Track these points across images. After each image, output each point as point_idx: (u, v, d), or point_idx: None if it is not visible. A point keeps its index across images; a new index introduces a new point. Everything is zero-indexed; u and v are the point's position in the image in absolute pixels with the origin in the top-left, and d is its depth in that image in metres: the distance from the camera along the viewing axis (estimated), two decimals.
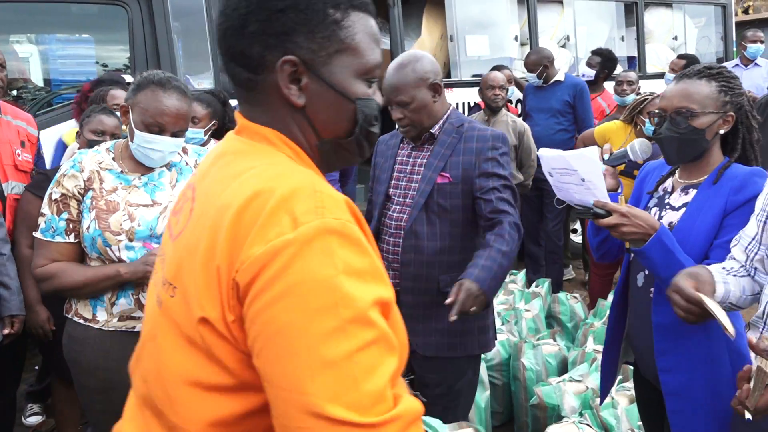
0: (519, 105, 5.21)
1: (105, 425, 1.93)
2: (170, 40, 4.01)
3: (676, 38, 6.71)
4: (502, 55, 5.31)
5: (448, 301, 1.82)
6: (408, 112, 2.09)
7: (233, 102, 3.67)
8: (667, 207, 1.74)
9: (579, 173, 1.59)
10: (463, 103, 5.08)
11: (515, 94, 5.18)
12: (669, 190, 1.77)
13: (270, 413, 0.79)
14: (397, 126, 2.20)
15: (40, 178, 2.62)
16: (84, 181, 1.88)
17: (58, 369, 2.71)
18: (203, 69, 4.24)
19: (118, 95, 2.98)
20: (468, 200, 2.10)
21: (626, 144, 3.83)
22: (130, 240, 1.82)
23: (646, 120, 3.71)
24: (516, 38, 5.60)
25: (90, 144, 2.57)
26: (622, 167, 2.09)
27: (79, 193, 1.87)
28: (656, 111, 1.70)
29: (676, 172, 1.78)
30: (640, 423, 2.46)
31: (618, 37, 6.28)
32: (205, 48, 4.22)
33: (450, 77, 5.20)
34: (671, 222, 1.69)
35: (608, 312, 3.40)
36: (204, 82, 4.24)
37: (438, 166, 2.11)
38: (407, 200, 2.16)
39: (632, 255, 1.78)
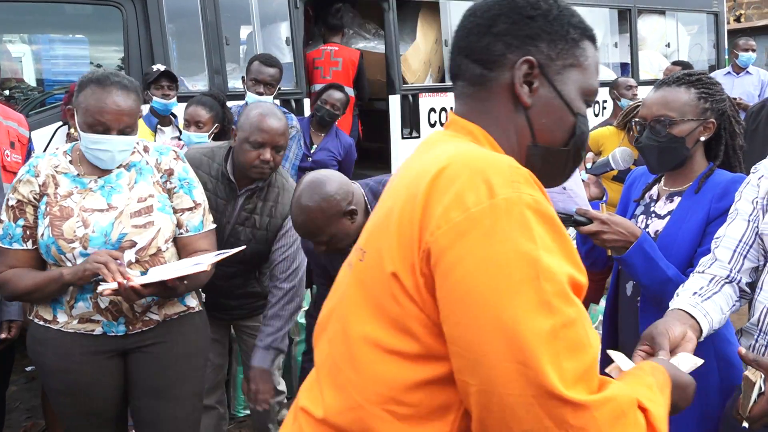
0: None
1: (77, 428, 1.93)
2: (165, 41, 4.00)
3: (668, 45, 6.75)
4: None
5: None
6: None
7: (230, 103, 3.67)
8: (653, 215, 1.74)
9: None
10: (451, 108, 5.08)
11: None
12: (655, 197, 1.77)
13: (448, 388, 0.80)
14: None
15: None
16: (39, 186, 1.81)
17: None
18: (198, 70, 4.23)
19: None
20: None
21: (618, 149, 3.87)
22: (84, 247, 1.75)
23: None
24: None
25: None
26: (614, 173, 2.11)
27: (34, 198, 1.81)
28: (637, 120, 1.70)
29: (662, 179, 1.78)
30: None
31: (611, 44, 6.31)
32: (200, 49, 4.21)
33: (444, 82, 5.21)
34: (657, 230, 1.69)
35: (600, 318, 3.41)
36: (198, 83, 4.23)
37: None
38: None
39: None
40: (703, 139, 1.66)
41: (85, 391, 1.86)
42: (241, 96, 3.81)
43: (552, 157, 0.97)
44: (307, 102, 4.56)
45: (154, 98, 3.53)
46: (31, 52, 4.98)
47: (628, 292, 1.76)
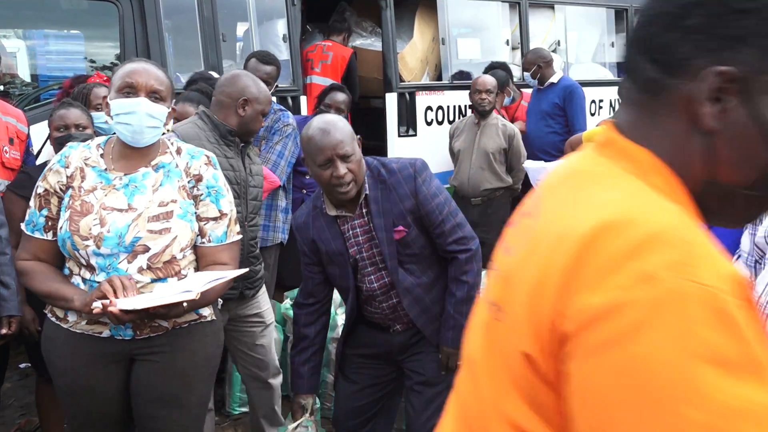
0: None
1: (78, 428, 1.92)
2: (161, 37, 3.98)
3: None
4: (494, 58, 5.33)
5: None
6: (352, 165, 1.97)
7: None
8: None
9: None
10: (454, 106, 5.09)
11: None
12: None
13: None
14: (338, 190, 1.98)
15: (21, 177, 2.58)
16: (66, 177, 1.81)
17: (41, 368, 2.68)
18: (194, 67, 4.21)
19: (102, 93, 2.91)
20: (428, 234, 2.14)
21: None
22: (98, 246, 1.72)
23: None
24: (507, 42, 5.63)
25: (58, 142, 2.52)
26: None
27: (60, 189, 1.81)
28: None
29: None
30: None
31: (608, 43, 6.32)
32: (196, 46, 4.20)
33: (441, 80, 5.21)
34: None
35: None
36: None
37: (387, 223, 2.08)
38: (377, 266, 2.14)
39: None
40: None
41: (88, 393, 1.83)
42: None
43: (733, 200, 0.73)
44: (303, 99, 4.55)
45: None
46: (26, 48, 4.95)
47: None
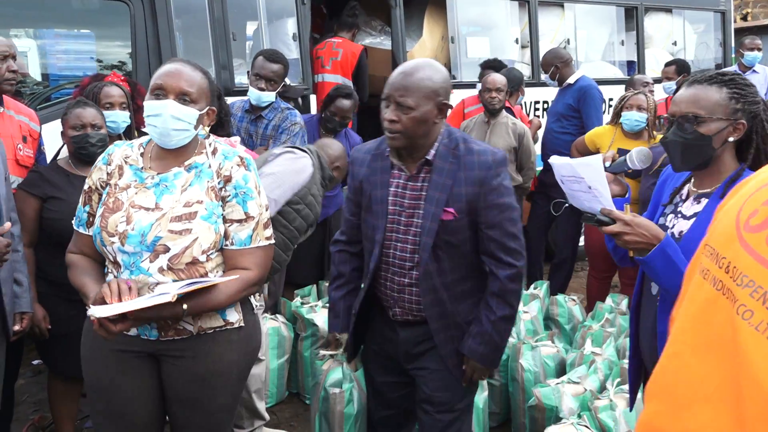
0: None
1: (98, 426, 1.92)
2: (172, 36, 4.00)
3: (675, 44, 6.73)
4: (503, 57, 5.31)
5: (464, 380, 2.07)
6: (406, 118, 1.88)
7: (233, 99, 3.68)
8: (679, 215, 1.72)
9: (585, 181, 1.61)
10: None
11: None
12: (684, 198, 1.76)
13: None
14: (385, 133, 1.95)
15: (33, 176, 2.59)
16: (107, 174, 1.85)
17: (53, 365, 2.70)
18: (204, 66, 4.21)
19: (113, 93, 2.91)
20: (474, 231, 1.99)
21: (611, 146, 3.88)
22: (122, 244, 1.74)
23: (625, 113, 3.76)
24: (517, 41, 5.62)
25: (74, 141, 2.53)
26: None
27: (101, 186, 1.85)
28: (667, 116, 1.70)
29: (692, 180, 1.76)
30: None
31: (618, 42, 6.30)
32: (207, 45, 4.21)
33: (452, 78, 5.20)
34: (681, 231, 1.67)
35: (606, 317, 3.41)
36: None
37: (440, 199, 1.95)
38: (409, 237, 2.01)
39: None
40: (732, 139, 1.63)
41: (112, 389, 1.83)
42: (247, 92, 3.81)
43: None
44: (313, 98, 4.56)
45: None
46: (37, 47, 4.98)
47: (653, 291, 1.75)
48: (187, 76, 1.78)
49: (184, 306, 1.67)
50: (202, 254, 1.76)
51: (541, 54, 5.14)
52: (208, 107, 1.82)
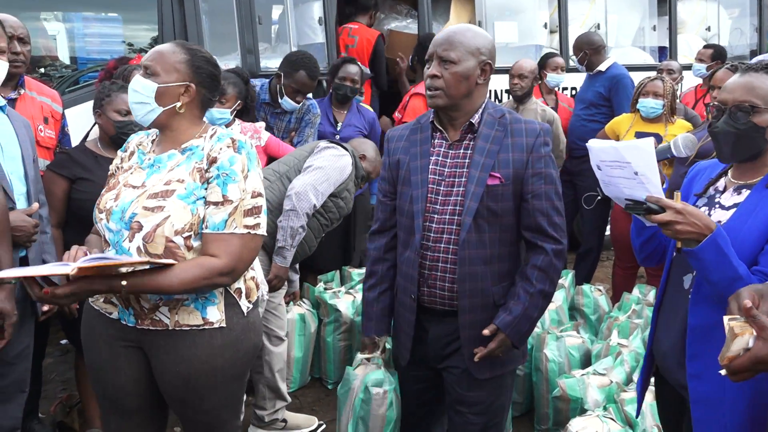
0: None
1: (105, 412, 1.90)
2: (199, 20, 4.00)
3: (709, 29, 6.55)
4: (531, 42, 5.23)
5: (478, 354, 1.90)
6: (447, 73, 1.84)
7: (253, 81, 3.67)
8: (717, 206, 1.65)
9: (632, 166, 1.51)
10: (491, 91, 5.01)
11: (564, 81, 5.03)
12: (720, 189, 1.69)
13: None
14: (426, 91, 1.91)
15: (62, 157, 2.62)
16: (121, 159, 1.88)
17: (79, 344, 2.74)
18: (230, 50, 4.22)
19: None
20: (518, 202, 1.91)
21: (629, 131, 3.80)
22: (108, 220, 1.72)
23: (642, 100, 3.73)
24: (545, 25, 5.51)
25: (117, 126, 2.55)
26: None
27: (115, 170, 1.88)
28: (715, 103, 1.62)
29: (729, 171, 1.69)
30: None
31: (650, 27, 6.14)
32: (233, 29, 4.21)
33: None
34: (720, 221, 1.60)
35: (633, 308, 3.35)
36: (230, 63, 4.23)
37: (487, 164, 1.87)
38: (449, 207, 1.92)
39: (674, 254, 1.70)
40: None
41: (103, 374, 1.83)
42: (272, 75, 3.81)
43: None
44: None
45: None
46: (65, 30, 5.02)
47: (686, 285, 1.67)
48: (154, 51, 1.76)
49: (123, 282, 1.58)
50: (176, 235, 1.66)
51: (571, 39, 5.03)
52: (181, 83, 1.74)
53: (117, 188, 1.78)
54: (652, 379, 1.90)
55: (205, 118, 1.87)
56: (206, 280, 1.66)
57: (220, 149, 1.71)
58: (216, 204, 1.69)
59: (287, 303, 3.21)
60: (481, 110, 1.93)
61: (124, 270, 1.63)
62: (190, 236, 1.69)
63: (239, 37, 4.17)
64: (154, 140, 1.86)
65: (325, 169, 2.76)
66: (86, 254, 1.64)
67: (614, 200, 1.67)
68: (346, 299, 3.42)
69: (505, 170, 1.88)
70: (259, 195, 1.76)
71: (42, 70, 4.49)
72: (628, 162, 1.52)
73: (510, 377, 2.09)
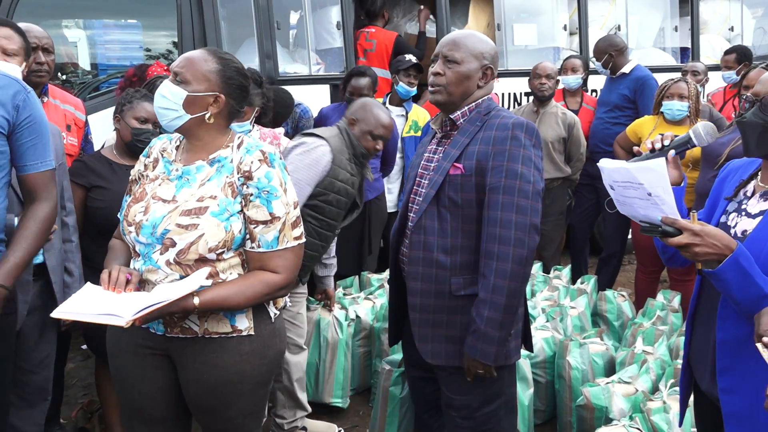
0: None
1: (127, 420, 1.90)
2: (218, 26, 4.01)
3: (732, 29, 6.44)
4: (551, 44, 5.18)
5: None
6: (450, 72, 1.94)
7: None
8: (743, 213, 1.58)
9: (645, 187, 1.45)
10: (510, 93, 4.97)
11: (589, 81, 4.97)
12: (749, 194, 1.61)
13: None
14: (429, 84, 2.01)
15: (77, 165, 2.62)
16: (144, 166, 1.85)
17: (99, 352, 2.75)
18: (249, 55, 4.23)
19: None
20: (483, 195, 1.90)
21: (652, 134, 3.73)
22: (137, 234, 1.72)
23: (666, 103, 3.66)
24: (565, 27, 5.46)
25: (134, 132, 2.56)
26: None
27: (138, 177, 1.86)
28: (748, 95, 1.55)
29: (759, 174, 1.62)
30: (694, 430, 2.37)
31: (671, 27, 6.06)
32: (251, 34, 4.22)
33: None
34: (745, 230, 1.54)
35: (658, 314, 3.28)
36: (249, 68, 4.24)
37: (453, 155, 1.94)
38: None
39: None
40: None
41: (130, 382, 1.83)
42: (291, 81, 3.81)
43: None
44: None
45: (401, 83, 4.12)
46: (86, 37, 5.07)
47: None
48: (184, 58, 1.74)
49: (196, 301, 1.61)
50: (209, 252, 1.68)
51: (590, 41, 4.97)
52: (211, 93, 1.72)
53: (145, 200, 1.75)
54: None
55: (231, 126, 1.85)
56: (268, 295, 1.74)
57: (251, 163, 1.70)
58: (264, 223, 1.70)
59: (319, 302, 3.19)
60: (467, 108, 2.00)
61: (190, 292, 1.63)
62: (223, 252, 1.70)
63: (258, 42, 4.18)
64: (178, 147, 1.83)
65: (291, 174, 2.63)
66: (128, 278, 1.66)
67: (631, 218, 1.62)
68: (366, 305, 3.40)
69: (469, 161, 1.92)
70: (297, 204, 1.79)
71: (63, 77, 4.53)
72: (640, 183, 1.46)
73: (501, 383, 2.01)
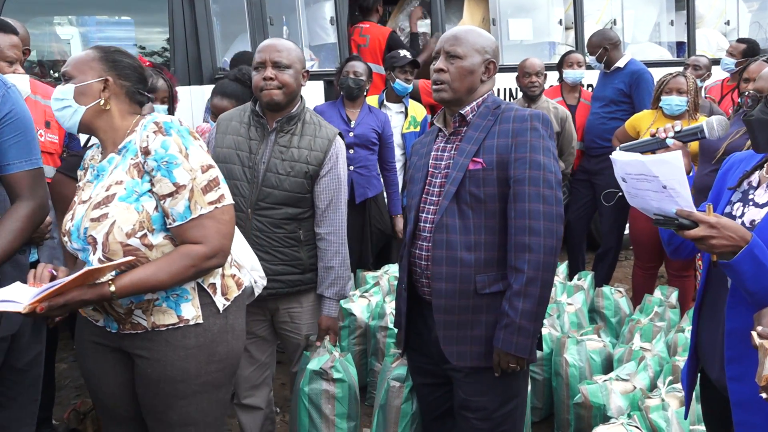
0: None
1: (103, 416, 1.89)
2: (210, 23, 3.97)
3: (728, 23, 6.43)
4: (546, 39, 5.15)
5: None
6: (453, 68, 1.92)
7: None
8: (751, 203, 1.58)
9: (660, 180, 1.44)
10: (505, 89, 4.94)
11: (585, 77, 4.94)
12: (755, 184, 1.61)
13: None
14: (432, 81, 1.97)
15: (72, 160, 2.59)
16: (79, 178, 1.83)
17: None
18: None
19: (159, 86, 2.85)
20: (505, 188, 1.89)
21: (650, 129, 3.69)
22: (69, 241, 1.68)
23: (665, 98, 3.64)
24: (560, 22, 5.43)
25: None
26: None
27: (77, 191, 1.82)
28: (751, 92, 1.55)
29: (765, 165, 1.62)
30: (692, 427, 2.35)
31: (667, 22, 6.04)
32: (244, 30, 4.18)
33: None
34: (753, 220, 1.54)
35: (656, 310, 3.27)
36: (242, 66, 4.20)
37: (470, 150, 1.91)
38: (440, 198, 1.96)
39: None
40: None
41: (93, 379, 1.82)
42: None
43: None
44: None
45: (397, 80, 4.07)
46: (79, 35, 5.02)
47: (729, 283, 1.59)
48: (70, 59, 1.72)
49: (112, 288, 1.54)
50: (128, 238, 1.60)
51: (586, 36, 4.94)
52: (98, 79, 1.68)
53: (73, 208, 1.73)
54: (680, 385, 1.83)
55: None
56: (195, 267, 1.63)
57: (147, 137, 1.63)
58: (171, 195, 1.62)
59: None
60: (476, 103, 1.98)
61: (107, 277, 1.57)
62: (144, 234, 1.62)
63: (250, 38, 4.14)
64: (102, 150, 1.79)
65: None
66: (51, 272, 1.61)
67: (642, 211, 1.61)
68: (361, 303, 3.37)
69: (488, 155, 1.90)
70: (210, 167, 1.67)
71: (56, 75, 4.49)
72: (655, 176, 1.45)
73: (518, 383, 2.02)
